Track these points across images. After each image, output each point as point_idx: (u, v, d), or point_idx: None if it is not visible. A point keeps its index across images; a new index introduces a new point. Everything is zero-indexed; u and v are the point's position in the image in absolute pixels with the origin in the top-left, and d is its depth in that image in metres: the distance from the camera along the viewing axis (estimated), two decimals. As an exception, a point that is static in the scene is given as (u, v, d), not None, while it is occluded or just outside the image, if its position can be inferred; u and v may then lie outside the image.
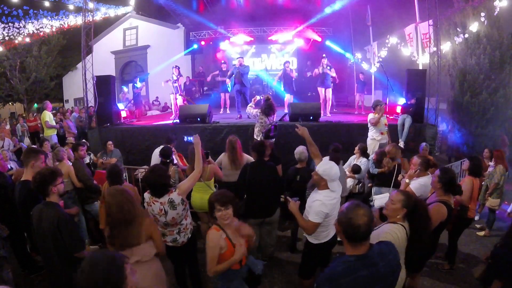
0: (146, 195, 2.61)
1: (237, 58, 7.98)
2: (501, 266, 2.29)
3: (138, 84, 9.62)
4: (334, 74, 8.07)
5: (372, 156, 4.37)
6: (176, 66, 8.44)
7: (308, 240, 2.66)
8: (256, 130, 5.36)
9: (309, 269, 2.77)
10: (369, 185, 4.54)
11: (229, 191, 2.24)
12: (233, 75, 7.77)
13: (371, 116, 5.41)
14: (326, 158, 2.60)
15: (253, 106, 5.42)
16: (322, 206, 2.41)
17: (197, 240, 2.92)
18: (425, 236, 2.08)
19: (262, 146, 3.53)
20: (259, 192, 3.35)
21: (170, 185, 2.61)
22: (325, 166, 2.47)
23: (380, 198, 3.17)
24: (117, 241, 2.00)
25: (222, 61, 9.74)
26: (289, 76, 8.31)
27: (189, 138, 3.19)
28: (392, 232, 1.99)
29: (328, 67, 7.91)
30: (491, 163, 4.87)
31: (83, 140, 5.75)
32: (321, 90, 8.04)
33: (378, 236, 1.88)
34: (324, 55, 8.38)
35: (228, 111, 9.43)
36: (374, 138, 5.33)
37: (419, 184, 3.09)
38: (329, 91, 8.06)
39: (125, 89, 11.29)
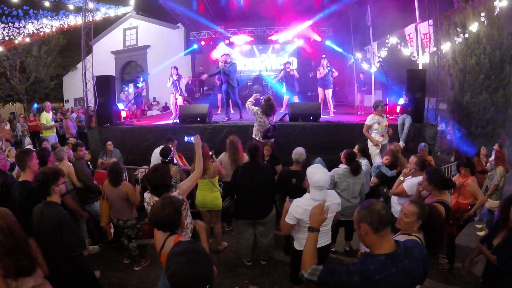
0: (147, 195, 2.62)
1: (221, 56, 7.35)
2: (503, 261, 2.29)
3: (140, 84, 9.64)
4: (335, 74, 8.10)
5: (379, 160, 4.18)
6: (174, 66, 8.42)
7: (293, 244, 2.64)
8: (254, 129, 5.35)
9: (296, 274, 2.73)
10: (385, 190, 4.28)
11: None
12: (220, 74, 7.20)
13: (368, 121, 5.31)
14: (317, 165, 2.50)
15: (253, 101, 5.40)
16: (296, 208, 2.37)
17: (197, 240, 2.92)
18: (439, 243, 2.05)
19: (256, 150, 3.52)
20: (249, 193, 3.36)
21: (171, 185, 2.61)
22: (310, 169, 2.41)
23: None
24: (11, 270, 1.75)
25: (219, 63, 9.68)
26: (291, 76, 8.28)
27: (190, 138, 3.20)
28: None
29: (328, 68, 7.93)
30: (491, 159, 4.91)
31: (78, 141, 5.75)
32: (321, 91, 8.04)
33: None
34: (323, 55, 8.38)
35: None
36: (376, 140, 5.31)
37: (412, 183, 3.12)
38: (329, 92, 8.08)
39: (129, 89, 11.26)
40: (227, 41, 12.69)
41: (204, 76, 8.99)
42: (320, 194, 2.34)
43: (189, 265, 1.22)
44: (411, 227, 2.00)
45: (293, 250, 2.63)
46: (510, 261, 2.23)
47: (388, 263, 1.42)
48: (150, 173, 2.54)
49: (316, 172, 2.34)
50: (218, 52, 12.78)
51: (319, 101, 7.96)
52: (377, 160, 4.19)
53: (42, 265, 2.04)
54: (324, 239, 2.56)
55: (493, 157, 5.08)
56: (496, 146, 5.21)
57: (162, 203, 1.94)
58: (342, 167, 3.71)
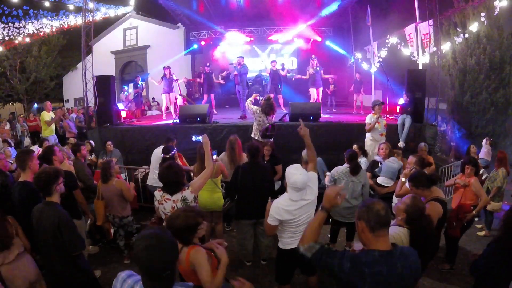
0: (157, 193, 2.59)
1: (236, 58, 7.94)
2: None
3: (140, 82, 9.65)
4: (324, 76, 8.20)
5: (396, 163, 4.10)
6: (167, 66, 8.39)
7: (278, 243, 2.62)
8: (253, 128, 5.35)
9: (281, 274, 2.70)
10: None
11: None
12: (234, 75, 7.79)
13: (368, 120, 5.39)
14: (297, 165, 2.43)
15: (253, 100, 5.41)
16: (276, 210, 2.34)
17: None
18: (428, 254, 2.06)
19: (256, 150, 3.52)
20: (250, 193, 3.35)
21: (184, 183, 2.60)
22: (288, 169, 2.36)
23: None
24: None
25: (207, 64, 9.80)
26: (277, 76, 8.34)
27: (197, 137, 3.20)
28: (396, 235, 1.99)
29: (318, 68, 8.01)
30: (480, 155, 4.95)
31: (90, 141, 5.72)
32: (313, 91, 8.13)
33: None
34: (313, 56, 8.45)
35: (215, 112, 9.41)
36: (374, 139, 5.33)
37: None
38: (320, 91, 8.23)
39: (129, 90, 11.25)
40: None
41: (224, 73, 9.11)
42: (297, 195, 2.31)
43: (149, 249, 1.22)
44: (398, 214, 2.13)
45: (277, 249, 2.61)
46: (478, 267, 2.24)
47: (380, 260, 1.43)
48: (164, 170, 2.52)
49: (294, 173, 2.29)
50: (223, 51, 12.80)
51: (312, 101, 8.05)
52: (394, 163, 4.05)
53: (22, 238, 2.38)
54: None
55: (481, 153, 5.10)
56: (487, 143, 5.22)
57: (178, 214, 1.92)
58: (345, 165, 3.75)
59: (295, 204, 2.33)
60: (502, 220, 2.28)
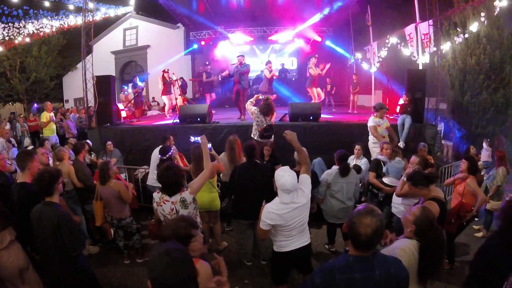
0: (156, 195, 2.58)
1: (237, 57, 7.77)
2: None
3: (140, 83, 9.66)
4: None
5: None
6: (167, 69, 8.56)
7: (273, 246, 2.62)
8: (253, 129, 5.35)
9: (277, 275, 2.70)
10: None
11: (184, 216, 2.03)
12: (234, 75, 7.66)
13: (371, 123, 5.29)
14: (285, 167, 2.41)
15: (254, 102, 5.41)
16: (267, 214, 2.32)
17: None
18: (436, 261, 1.94)
19: (252, 149, 3.52)
20: (248, 194, 3.34)
21: (183, 184, 2.59)
22: (277, 172, 2.34)
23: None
24: None
25: (206, 62, 9.74)
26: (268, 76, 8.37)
27: (196, 138, 3.18)
28: (407, 248, 1.89)
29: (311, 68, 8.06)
30: (483, 158, 4.93)
31: (87, 141, 5.71)
32: (312, 90, 8.14)
33: (393, 251, 1.81)
34: (316, 55, 8.45)
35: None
36: (377, 142, 5.30)
37: None
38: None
39: (129, 90, 11.21)
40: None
41: (225, 73, 9.06)
42: (288, 197, 2.30)
43: (174, 265, 1.13)
44: (407, 226, 2.03)
45: (272, 252, 2.61)
46: (475, 266, 2.22)
47: (354, 265, 1.39)
48: (163, 172, 2.49)
49: (283, 175, 2.28)
50: (223, 51, 12.79)
51: (314, 100, 8.06)
52: (400, 164, 4.04)
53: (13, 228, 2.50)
54: (303, 239, 2.49)
55: (483, 155, 5.09)
56: (487, 145, 5.20)
57: (169, 223, 1.80)
58: (335, 168, 3.74)
59: (286, 207, 2.30)
60: (501, 211, 2.25)
